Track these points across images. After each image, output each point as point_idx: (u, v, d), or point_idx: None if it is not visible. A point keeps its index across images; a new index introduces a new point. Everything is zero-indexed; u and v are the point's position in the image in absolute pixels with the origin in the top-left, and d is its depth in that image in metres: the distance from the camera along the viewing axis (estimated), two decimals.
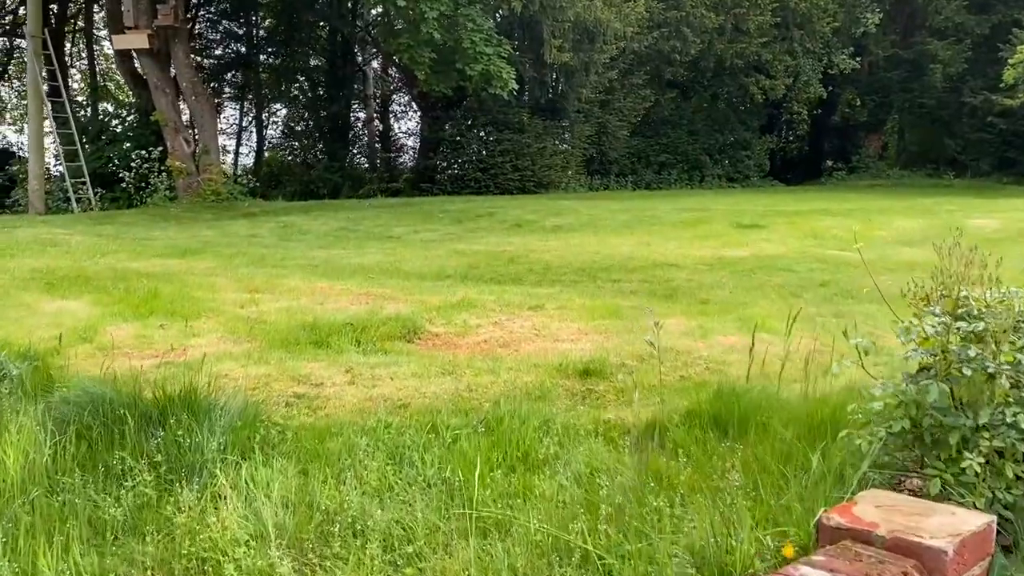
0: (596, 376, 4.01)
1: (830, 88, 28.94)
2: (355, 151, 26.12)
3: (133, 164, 16.56)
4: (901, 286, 3.13)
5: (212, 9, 28.02)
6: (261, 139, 31.00)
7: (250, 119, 31.54)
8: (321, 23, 24.76)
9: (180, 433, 3.15)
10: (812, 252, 8.80)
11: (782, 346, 4.62)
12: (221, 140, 33.20)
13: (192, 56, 29.04)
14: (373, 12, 22.78)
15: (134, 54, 17.55)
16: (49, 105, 17.75)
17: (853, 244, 9.55)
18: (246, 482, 2.90)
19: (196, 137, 17.36)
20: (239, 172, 30.23)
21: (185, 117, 18.88)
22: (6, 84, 33.00)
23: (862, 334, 5.05)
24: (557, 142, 23.52)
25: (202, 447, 3.12)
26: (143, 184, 16.65)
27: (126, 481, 2.95)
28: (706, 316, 5.48)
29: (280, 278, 7.05)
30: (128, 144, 19.26)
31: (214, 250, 9.11)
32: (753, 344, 4.02)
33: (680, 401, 3.58)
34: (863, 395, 2.91)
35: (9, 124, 34.10)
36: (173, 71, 17.32)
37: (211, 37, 29.27)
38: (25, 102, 29.76)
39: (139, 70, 18.15)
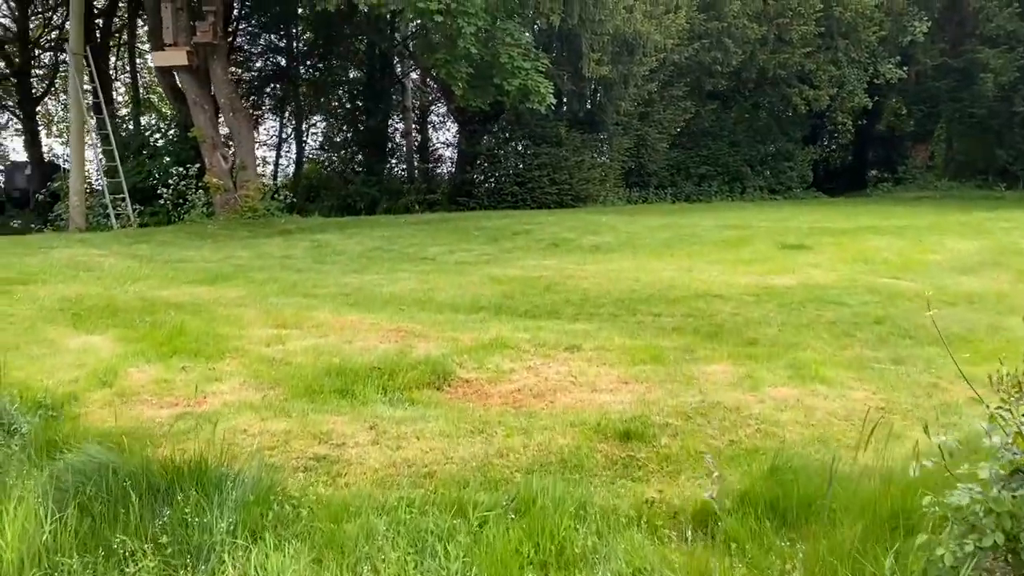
0: (637, 439, 3.71)
1: (875, 97, 28.22)
2: (393, 163, 26.07)
3: (171, 180, 16.61)
4: (962, 323, 2.79)
5: (253, 22, 28.25)
6: (301, 151, 31.14)
7: (290, 131, 31.75)
8: (359, 37, 24.76)
9: (188, 511, 2.93)
10: (863, 280, 8.38)
11: (840, 402, 4.28)
12: (262, 152, 33.50)
13: (232, 70, 29.35)
14: (411, 26, 22.71)
15: (174, 70, 17.63)
16: (93, 120, 17.93)
17: (906, 270, 9.13)
18: (256, 570, 2.66)
19: (233, 153, 17.38)
20: (279, 184, 30.43)
21: (224, 132, 18.96)
22: (53, 98, 33.62)
23: (924, 386, 4.70)
24: (595, 155, 23.20)
25: (211, 527, 2.89)
26: (181, 200, 16.69)
27: (128, 567, 2.73)
28: (754, 361, 5.14)
29: (310, 310, 6.85)
30: (168, 159, 19.39)
31: (246, 275, 8.97)
32: (808, 399, 3.68)
33: (731, 475, 3.27)
34: (938, 481, 2.58)
35: (56, 137, 34.74)
36: (212, 88, 17.37)
37: (252, 50, 29.54)
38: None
39: (179, 86, 18.27)
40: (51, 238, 12.93)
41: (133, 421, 4.21)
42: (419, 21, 16.81)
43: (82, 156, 17.17)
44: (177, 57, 16.53)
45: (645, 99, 23.69)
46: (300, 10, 24.57)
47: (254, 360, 5.22)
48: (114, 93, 30.79)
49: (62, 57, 31.86)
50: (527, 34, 17.15)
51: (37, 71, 26.78)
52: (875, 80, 27.06)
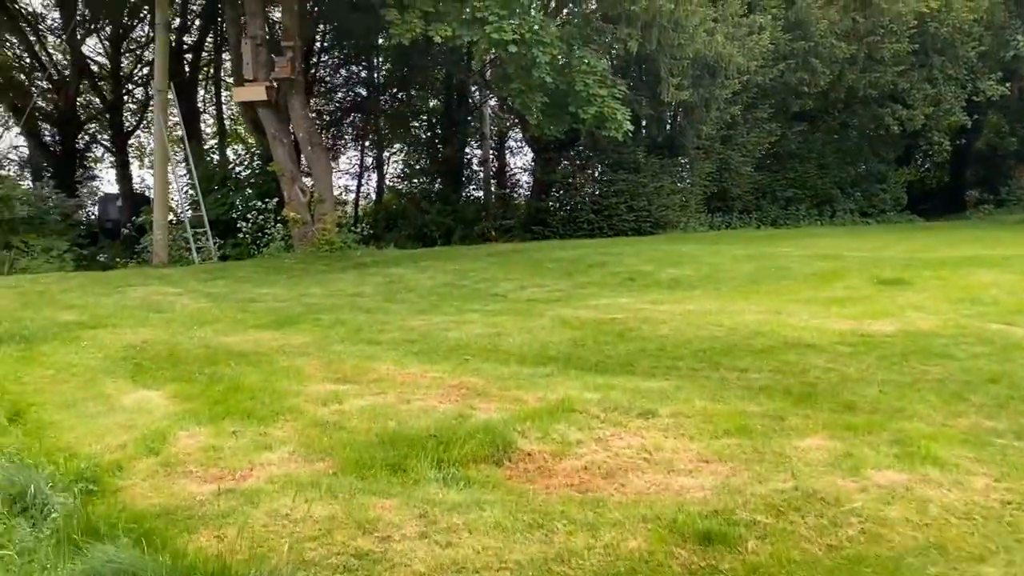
0: (720, 543, 3.23)
1: (974, 115, 26.78)
2: (470, 190, 26.02)
3: (250, 215, 16.82)
4: None
5: (336, 54, 28.75)
6: (381, 180, 31.50)
7: (371, 160, 32.14)
8: (437, 67, 24.86)
9: None
10: (972, 326, 7.61)
11: (956, 492, 3.71)
12: (344, 181, 34.07)
13: (315, 101, 29.94)
14: (486, 56, 22.68)
15: (255, 105, 17.92)
16: (182, 152, 18.36)
17: (1020, 313, 8.30)
18: None
19: (312, 186, 17.50)
20: (359, 214, 30.78)
21: (304, 165, 19.18)
22: (145, 131, 34.97)
23: None
24: (675, 180, 22.59)
25: None
26: (260, 233, 16.87)
27: None
28: (854, 433, 4.57)
29: (372, 360, 6.57)
30: (250, 191, 19.73)
31: (314, 317, 8.79)
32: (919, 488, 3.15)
33: None
34: None
35: (148, 168, 36.07)
36: (291, 122, 17.58)
37: (334, 81, 30.07)
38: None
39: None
40: (131, 274, 13.14)
41: (174, 498, 3.95)
42: (494, 51, 16.62)
43: (165, 191, 17.57)
44: (257, 92, 16.77)
45: (727, 122, 22.98)
46: (381, 40, 24.89)
47: (308, 424, 4.94)
48: (202, 125, 31.87)
49: (151, 92, 33.19)
50: (604, 61, 16.78)
51: (129, 106, 27.84)
52: (974, 97, 25.65)
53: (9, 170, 23.80)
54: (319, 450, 4.51)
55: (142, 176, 34.72)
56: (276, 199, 16.91)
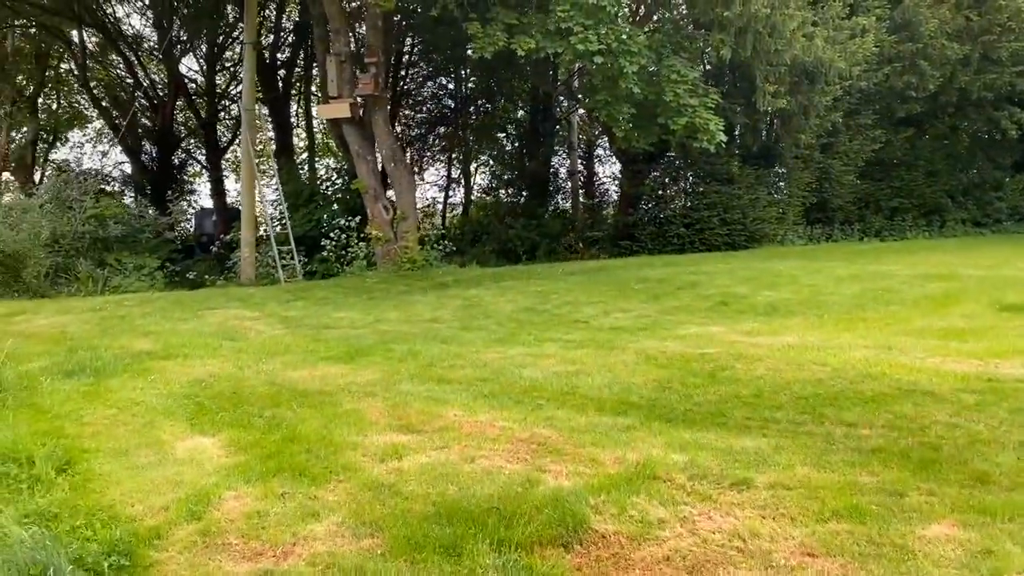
0: None
1: None
2: (557, 202, 25.55)
3: (333, 233, 16.77)
4: None
5: (423, 67, 28.78)
6: (468, 193, 31.38)
7: (458, 173, 32.08)
8: (523, 79, 24.51)
9: None
10: None
11: None
12: (431, 193, 34.12)
13: (406, 112, 30.04)
14: (572, 67, 22.18)
15: (339, 122, 17.92)
16: (273, 172, 18.51)
17: None
18: None
19: (395, 204, 17.35)
20: (444, 229, 30.69)
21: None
22: (239, 146, 35.90)
23: None
24: (771, 192, 21.53)
25: None
26: (344, 251, 16.81)
27: None
28: (990, 519, 3.84)
29: (440, 403, 6.14)
30: (336, 207, 19.79)
31: (386, 349, 8.44)
32: None
33: None
34: None
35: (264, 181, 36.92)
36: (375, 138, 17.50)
37: (423, 94, 30.15)
38: (260, 163, 32.04)
39: None
40: (214, 295, 13.16)
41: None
42: (579, 63, 16.10)
43: (253, 208, 17.73)
44: (340, 110, 16.75)
45: (828, 129, 21.80)
46: (469, 52, 24.73)
47: (361, 486, 4.52)
48: (295, 138, 32.46)
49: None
50: (695, 69, 16.02)
51: (225, 122, 28.54)
52: None
53: (112, 187, 24.68)
54: (369, 522, 4.07)
55: (237, 190, 35.71)
56: (359, 216, 16.82)
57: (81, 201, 16.57)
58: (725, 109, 17.80)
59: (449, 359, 7.87)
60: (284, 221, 17.64)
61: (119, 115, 23.42)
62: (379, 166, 17.64)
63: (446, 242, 17.86)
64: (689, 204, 20.38)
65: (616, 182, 31.75)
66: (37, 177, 28.44)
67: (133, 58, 24.26)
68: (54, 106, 29.92)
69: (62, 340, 9.13)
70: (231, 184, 29.99)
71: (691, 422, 5.58)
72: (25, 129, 27.08)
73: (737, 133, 21.36)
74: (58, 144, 31.85)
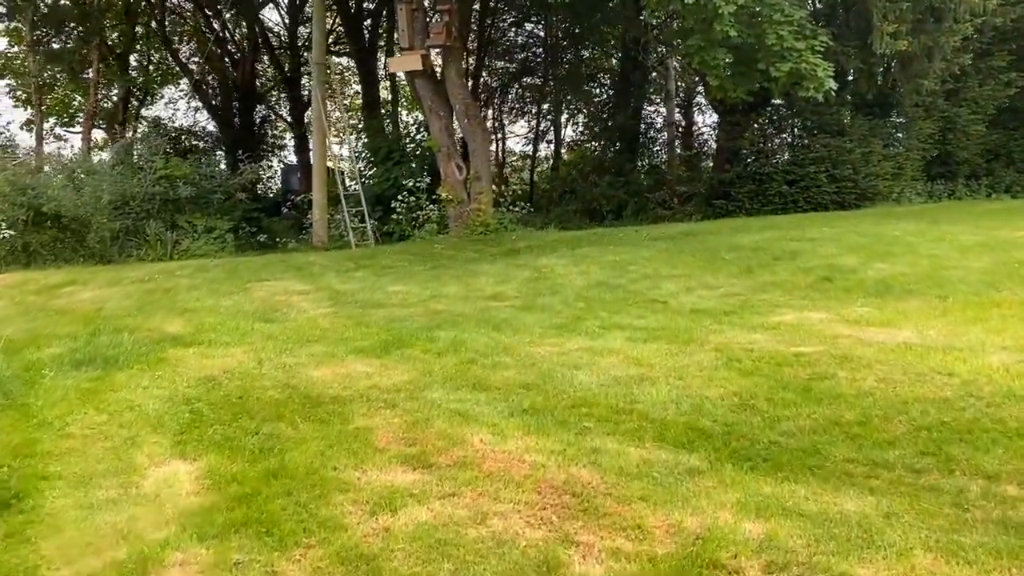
0: None
1: None
2: (647, 157, 23.93)
3: (402, 195, 15.89)
4: None
5: (511, 14, 27.35)
6: (559, 147, 30.03)
7: (547, 125, 30.71)
8: (613, 25, 22.83)
9: None
10: None
11: None
12: (520, 147, 32.89)
13: (492, 62, 28.74)
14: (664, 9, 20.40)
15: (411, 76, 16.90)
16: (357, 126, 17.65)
17: None
18: None
19: (468, 163, 16.29)
20: (533, 181, 29.52)
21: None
22: (332, 101, 35.42)
23: None
24: (887, 144, 19.35)
25: None
26: (414, 214, 15.94)
27: None
28: None
29: (466, 422, 5.13)
30: (414, 165, 18.92)
31: (428, 338, 7.46)
32: None
33: None
34: None
35: (334, 138, 36.58)
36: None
37: (508, 43, 28.78)
38: (348, 118, 31.52)
39: None
40: (272, 263, 12.48)
41: None
42: (670, 3, 14.49)
43: (324, 168, 17.01)
44: (411, 62, 15.70)
45: (955, 74, 19.36)
46: None
47: (334, 556, 3.56)
48: (384, 92, 31.68)
49: (340, 60, 33.34)
50: (802, 9, 14.15)
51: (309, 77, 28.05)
52: None
53: (204, 143, 24.51)
54: None
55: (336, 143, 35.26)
56: (430, 177, 15.87)
57: (151, 161, 16.19)
58: (836, 52, 15.86)
59: (495, 354, 6.83)
60: (356, 181, 16.85)
61: (200, 71, 23.07)
62: (454, 122, 16.57)
63: (523, 204, 16.69)
64: (793, 159, 18.46)
65: (715, 133, 29.78)
66: (129, 134, 28.72)
67: (210, 11, 23.75)
68: (146, 63, 30.01)
69: (94, 319, 8.57)
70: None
71: (775, 464, 4.36)
72: (116, 87, 27.21)
73: (849, 79, 19.22)
74: (150, 101, 32.15)
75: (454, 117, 16.41)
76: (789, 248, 12.24)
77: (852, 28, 18.01)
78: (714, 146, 30.79)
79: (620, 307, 8.95)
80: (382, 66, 31.01)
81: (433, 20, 15.64)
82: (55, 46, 22.72)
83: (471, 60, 27.44)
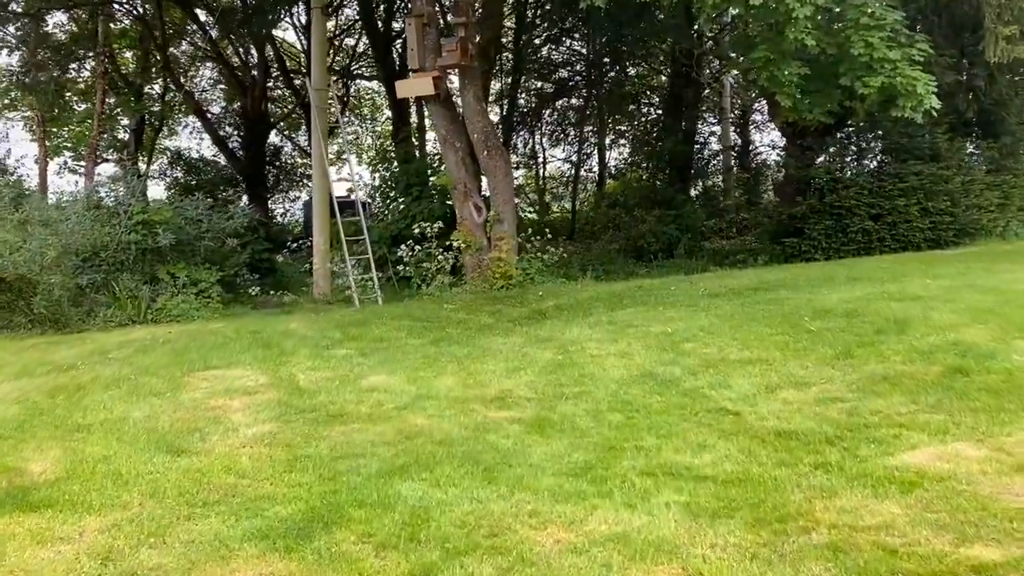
0: None
1: None
2: (699, 186, 21.23)
3: (406, 244, 13.49)
4: None
5: (547, 27, 24.97)
6: (603, 172, 27.55)
7: (591, 149, 28.27)
8: (660, 39, 20.26)
9: None
10: None
11: None
12: (558, 166, 30.31)
13: (523, 82, 26.34)
14: (721, 16, 17.74)
15: (424, 102, 14.57)
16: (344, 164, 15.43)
17: None
18: None
19: (488, 202, 13.84)
20: (576, 209, 26.98)
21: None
22: (360, 124, 33.39)
23: None
24: (991, 170, 16.34)
25: None
26: (424, 266, 13.51)
27: None
28: None
29: None
30: (435, 202, 16.60)
31: (378, 502, 4.96)
32: None
33: None
34: None
35: (365, 165, 34.42)
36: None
37: (541, 59, 26.43)
38: (385, 146, 29.40)
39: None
40: (237, 338, 10.08)
41: None
42: (730, 8, 11.90)
43: (326, 210, 14.72)
44: (421, 85, 13.35)
45: None
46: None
47: None
48: (415, 118, 29.55)
49: (363, 85, 31.43)
50: (895, 11, 11.42)
51: (331, 100, 26.01)
52: None
53: (202, 178, 22.59)
54: None
55: (359, 174, 33.31)
56: (441, 223, 13.47)
57: (127, 205, 14.09)
58: (932, 63, 13.05)
59: (471, 550, 4.27)
60: (363, 219, 14.52)
61: (202, 100, 21.15)
62: (472, 156, 14.14)
63: (552, 248, 14.10)
64: (878, 189, 15.60)
65: (775, 153, 26.90)
66: (143, 167, 27.02)
67: (220, 32, 21.83)
68: (162, 91, 28.37)
69: None
70: (335, 172, 27.57)
71: None
72: (125, 119, 25.55)
73: (944, 94, 16.26)
74: (169, 131, 30.53)
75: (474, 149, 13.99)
76: (892, 313, 9.41)
77: (945, 35, 15.16)
78: (776, 166, 27.90)
79: (672, 424, 6.33)
80: None
81: (449, 36, 13.31)
82: (37, 78, 20.94)
83: (506, 80, 25.15)
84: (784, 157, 17.00)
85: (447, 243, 13.29)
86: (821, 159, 16.52)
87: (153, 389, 7.68)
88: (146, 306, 13.33)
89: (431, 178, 18.09)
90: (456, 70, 13.40)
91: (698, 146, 22.09)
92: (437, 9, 13.99)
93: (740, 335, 8.92)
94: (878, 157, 15.75)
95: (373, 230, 18.65)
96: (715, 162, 26.01)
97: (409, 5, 20.06)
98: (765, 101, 27.02)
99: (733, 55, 13.49)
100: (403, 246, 13.50)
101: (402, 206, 17.79)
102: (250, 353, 9.14)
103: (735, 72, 26.13)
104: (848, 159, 15.91)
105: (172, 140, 31.41)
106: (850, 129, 16.32)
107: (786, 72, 11.10)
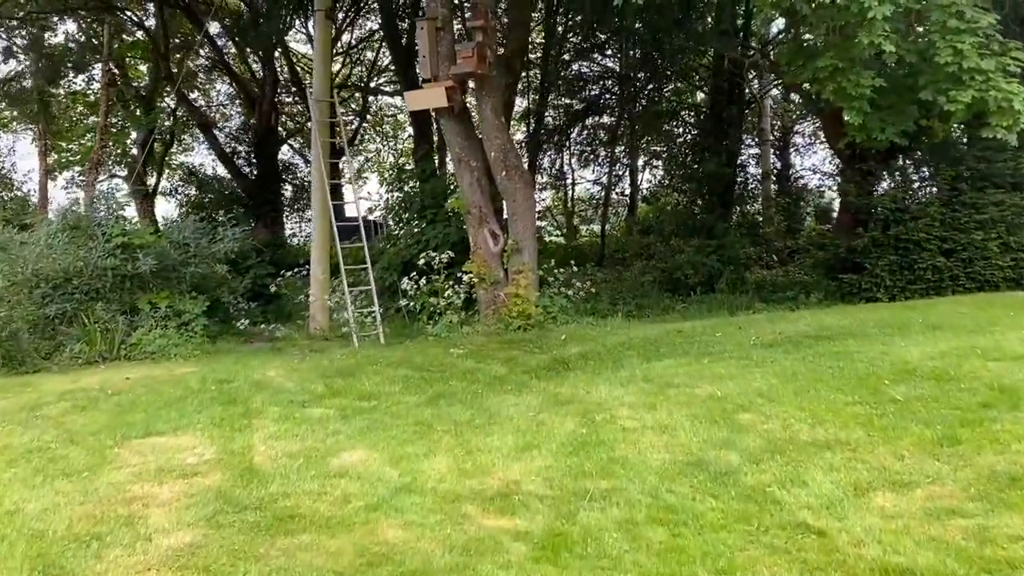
0: None
1: None
2: (741, 214, 19.44)
3: (410, 276, 11.89)
4: None
5: (579, 40, 23.42)
6: (634, 196, 25.87)
7: (623, 170, 26.63)
8: (699, 53, 18.58)
9: None
10: None
11: None
12: (587, 188, 28.64)
13: (553, 98, 24.77)
14: (774, 27, 16.02)
15: (436, 115, 13.01)
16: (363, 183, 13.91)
17: None
18: None
19: (505, 229, 12.21)
20: (604, 232, 25.35)
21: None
22: (381, 142, 32.01)
23: None
24: None
25: None
26: (430, 302, 11.88)
27: None
28: None
29: None
30: (451, 227, 15.02)
31: None
32: None
33: None
34: None
35: (387, 184, 33.00)
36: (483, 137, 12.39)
37: (571, 74, 24.88)
38: (400, 164, 27.96)
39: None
40: (200, 390, 8.50)
41: None
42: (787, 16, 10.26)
43: (327, 237, 13.17)
44: (433, 97, 11.80)
45: None
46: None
47: None
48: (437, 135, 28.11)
49: (385, 101, 30.06)
50: (988, 12, 9.66)
51: (348, 115, 24.64)
52: None
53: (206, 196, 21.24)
54: None
55: (381, 193, 31.83)
56: (449, 249, 11.86)
57: (104, 227, 12.66)
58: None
59: None
60: (364, 251, 12.96)
61: (209, 112, 19.81)
62: (489, 176, 12.53)
63: (579, 284, 12.41)
64: (951, 221, 13.73)
65: (817, 178, 25.10)
66: (151, 181, 25.83)
67: (227, 38, 20.51)
68: (174, 105, 27.22)
69: None
70: (350, 190, 26.15)
71: None
72: (134, 133, 24.36)
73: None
74: (184, 146, 29.40)
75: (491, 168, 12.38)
76: (992, 377, 7.57)
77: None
78: (816, 193, 26.04)
79: (734, 548, 4.62)
80: None
81: (457, 46, 11.75)
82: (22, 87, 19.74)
83: (533, 97, 23.64)
84: (841, 183, 15.16)
85: (459, 274, 11.66)
86: (884, 185, 14.72)
87: (69, 466, 6.10)
88: (120, 340, 11.85)
89: (448, 200, 16.52)
90: (472, 80, 11.84)
91: (740, 173, 20.31)
92: (455, 15, 12.43)
93: (808, 403, 7.16)
94: (951, 185, 13.89)
95: (383, 255, 17.11)
96: (752, 186, 24.27)
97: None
98: (819, 121, 25.26)
99: (786, 67, 11.78)
100: (405, 279, 11.88)
101: (416, 229, 16.22)
102: (208, 412, 7.54)
103: (780, 87, 24.43)
104: (916, 186, 14.02)
105: (187, 155, 30.31)
106: (919, 151, 14.49)
107: (858, 83, 9.38)
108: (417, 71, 12.16)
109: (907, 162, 14.19)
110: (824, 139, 26.57)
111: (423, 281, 11.57)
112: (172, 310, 12.61)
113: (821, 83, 9.80)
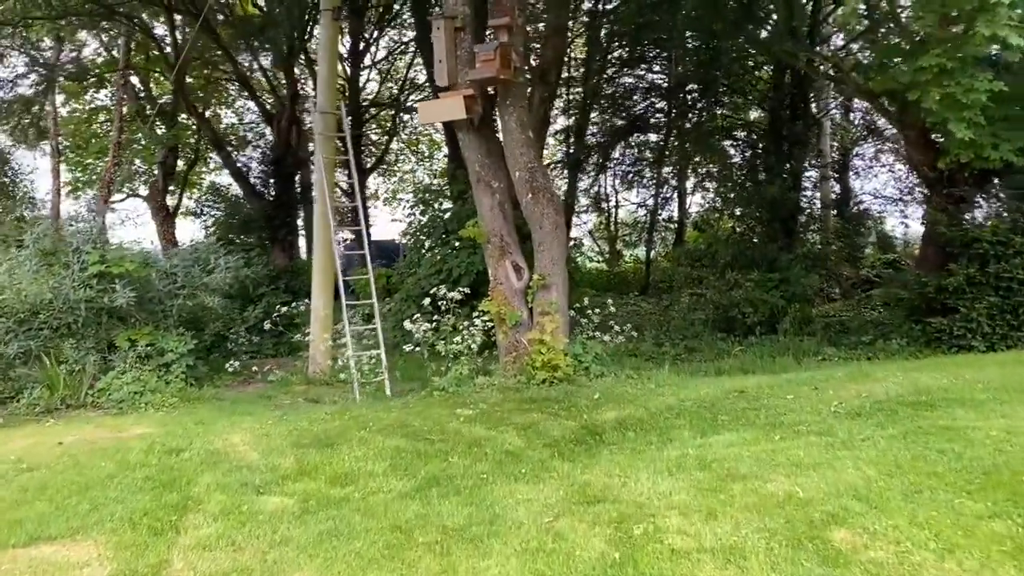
0: None
1: None
2: (801, 249, 17.37)
3: (417, 315, 10.16)
4: None
5: (625, 53, 21.65)
6: (683, 222, 23.95)
7: (671, 192, 24.74)
8: (756, 64, 16.65)
9: None
10: None
11: None
12: (631, 210, 26.79)
13: (596, 114, 23.04)
14: (839, 38, 14.06)
15: (456, 128, 11.31)
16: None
17: None
18: None
19: (531, 262, 10.42)
20: (650, 260, 23.48)
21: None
22: (407, 159, 30.57)
23: None
24: None
25: None
26: (441, 341, 10.13)
27: None
28: None
29: None
30: (474, 257, 13.37)
31: None
32: None
33: None
34: None
35: (404, 208, 31.61)
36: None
37: (618, 89, 23.13)
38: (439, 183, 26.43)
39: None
40: (144, 463, 6.86)
41: None
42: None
43: (331, 268, 11.53)
44: (449, 107, 10.09)
45: None
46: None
47: None
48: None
49: (409, 119, 28.59)
50: None
51: (375, 134, 23.14)
52: None
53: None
54: None
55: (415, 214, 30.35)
56: (464, 291, 10.12)
57: (80, 254, 11.19)
58: None
59: None
60: (371, 283, 11.28)
61: (222, 131, 18.45)
62: (513, 198, 10.76)
63: (618, 328, 10.55)
64: None
65: (878, 204, 22.93)
66: (172, 201, 24.61)
67: (248, 56, 19.19)
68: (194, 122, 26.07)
69: None
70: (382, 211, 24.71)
71: None
72: (155, 149, 23.19)
73: None
74: (212, 164, 28.27)
75: (516, 190, 10.60)
76: None
77: None
78: (877, 219, 23.89)
79: None
80: None
81: (475, 48, 10.04)
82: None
83: (573, 111, 21.92)
84: (929, 210, 13.05)
85: (474, 315, 9.90)
86: (981, 213, 12.62)
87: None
88: (88, 384, 10.32)
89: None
90: (495, 86, 10.13)
91: (805, 198, 18.29)
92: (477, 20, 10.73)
93: (925, 513, 5.18)
94: None
95: (403, 284, 15.47)
96: (810, 211, 22.27)
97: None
98: (881, 141, 23.11)
99: (873, 72, 9.81)
100: (407, 323, 10.16)
101: (438, 256, 14.56)
102: (129, 504, 5.85)
103: (839, 105, 22.39)
104: (1017, 215, 11.89)
105: (216, 175, 29.22)
106: (1017, 174, 12.37)
107: (971, 87, 7.44)
108: (434, 77, 10.46)
109: (1005, 185, 12.06)
110: (886, 163, 24.45)
111: (430, 321, 9.84)
112: (153, 348, 11.06)
113: (922, 88, 7.86)
